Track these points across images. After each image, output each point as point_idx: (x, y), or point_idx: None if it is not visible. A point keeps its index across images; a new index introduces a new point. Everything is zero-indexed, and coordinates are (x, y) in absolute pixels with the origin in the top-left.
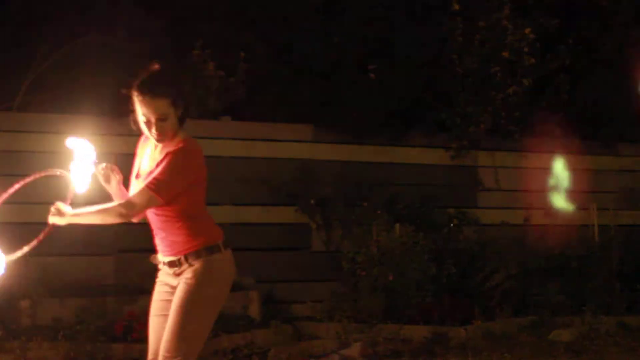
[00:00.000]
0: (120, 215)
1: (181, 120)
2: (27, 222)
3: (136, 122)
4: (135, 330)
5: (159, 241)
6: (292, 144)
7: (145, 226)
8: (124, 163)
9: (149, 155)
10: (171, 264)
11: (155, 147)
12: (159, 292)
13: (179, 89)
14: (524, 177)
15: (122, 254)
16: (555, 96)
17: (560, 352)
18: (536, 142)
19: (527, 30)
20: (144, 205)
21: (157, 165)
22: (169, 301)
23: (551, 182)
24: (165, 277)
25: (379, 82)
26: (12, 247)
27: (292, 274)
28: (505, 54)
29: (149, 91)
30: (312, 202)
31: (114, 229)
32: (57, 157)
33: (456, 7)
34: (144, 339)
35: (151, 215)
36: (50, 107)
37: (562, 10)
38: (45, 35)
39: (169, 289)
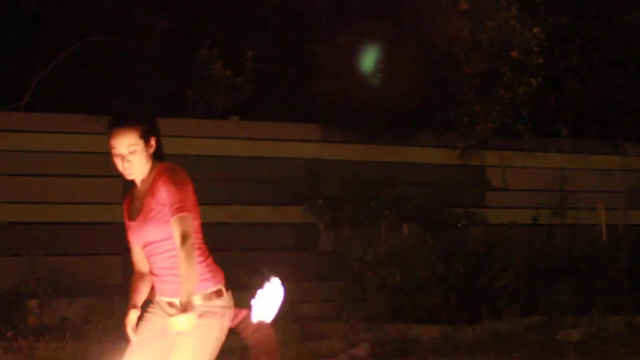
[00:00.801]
0: (193, 248)
1: (157, 155)
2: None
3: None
4: None
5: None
6: (300, 144)
7: None
8: None
9: (137, 198)
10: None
11: (138, 189)
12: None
13: (151, 125)
14: (532, 176)
15: (129, 253)
16: (563, 96)
17: (568, 352)
18: (544, 141)
19: (536, 30)
20: (190, 228)
21: (154, 194)
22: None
23: (559, 181)
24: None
25: (387, 82)
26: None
27: (300, 274)
28: (514, 54)
29: (116, 125)
30: (320, 201)
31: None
32: (64, 156)
33: (464, 6)
34: None
35: (154, 254)
36: (57, 106)
37: (570, 10)
38: (53, 35)
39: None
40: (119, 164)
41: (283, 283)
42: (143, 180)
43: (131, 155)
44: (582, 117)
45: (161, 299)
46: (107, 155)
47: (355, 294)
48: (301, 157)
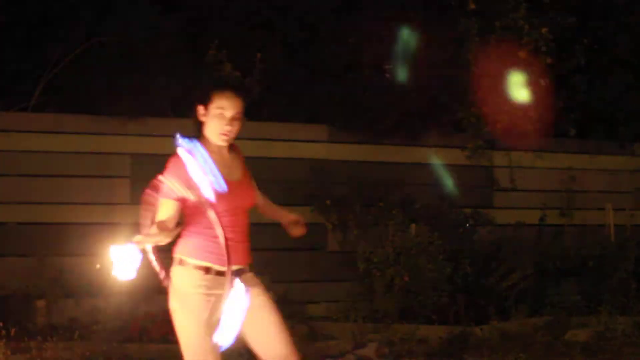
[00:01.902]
0: None
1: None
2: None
3: (198, 122)
4: (151, 330)
5: (235, 249)
6: (308, 144)
7: None
8: (138, 163)
9: (222, 164)
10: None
11: (216, 156)
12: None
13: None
14: (539, 177)
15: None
16: (571, 96)
17: (576, 352)
18: (552, 142)
19: (544, 30)
20: None
21: (244, 164)
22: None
23: (567, 182)
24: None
25: (395, 82)
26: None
27: (308, 274)
28: (522, 55)
29: (233, 88)
30: (328, 202)
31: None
32: (73, 157)
33: (472, 6)
34: (159, 340)
35: (239, 218)
36: (66, 107)
37: (577, 10)
38: (60, 35)
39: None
40: (220, 126)
41: (290, 283)
42: (220, 150)
43: (235, 121)
44: (590, 117)
45: (231, 267)
46: (116, 156)
47: (363, 294)
48: (309, 158)
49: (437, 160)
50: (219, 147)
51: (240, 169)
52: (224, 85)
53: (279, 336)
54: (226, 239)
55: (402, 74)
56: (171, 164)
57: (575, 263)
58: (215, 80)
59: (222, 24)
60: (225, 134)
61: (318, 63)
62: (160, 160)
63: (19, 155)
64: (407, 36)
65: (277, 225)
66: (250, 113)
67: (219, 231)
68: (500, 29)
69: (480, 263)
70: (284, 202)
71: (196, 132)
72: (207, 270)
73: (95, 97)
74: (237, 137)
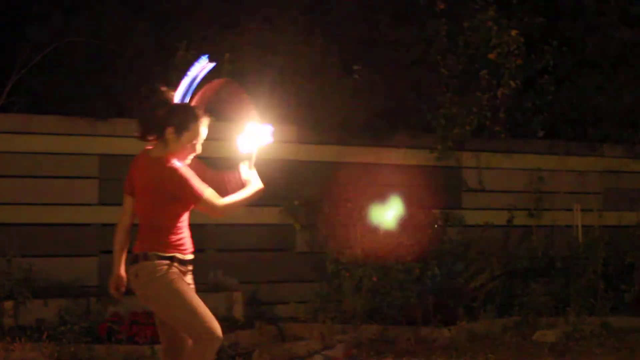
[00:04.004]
0: None
1: None
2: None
3: (184, 137)
4: (118, 331)
5: (187, 240)
6: (276, 145)
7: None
8: (107, 164)
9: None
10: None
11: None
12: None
13: None
14: (508, 177)
15: (105, 254)
16: (539, 97)
17: (544, 352)
18: (521, 143)
19: (514, 32)
20: None
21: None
22: None
23: (535, 182)
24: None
25: (363, 83)
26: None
27: (276, 275)
28: (492, 56)
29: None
30: (296, 202)
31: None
32: (41, 158)
33: (441, 6)
34: (127, 341)
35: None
36: (34, 108)
37: (546, 11)
38: (29, 36)
39: None
40: (194, 149)
41: (259, 284)
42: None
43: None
44: (558, 118)
45: (187, 257)
46: (83, 157)
47: (331, 295)
48: (277, 158)
49: (405, 161)
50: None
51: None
52: (204, 114)
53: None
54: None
55: (370, 75)
56: (184, 171)
57: (544, 264)
58: (190, 110)
59: (191, 25)
60: (196, 153)
61: (287, 64)
62: (129, 161)
63: None
64: (375, 37)
65: (246, 226)
66: (219, 113)
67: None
68: (469, 30)
69: (448, 264)
70: (252, 202)
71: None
72: (175, 259)
73: (64, 98)
74: (205, 138)
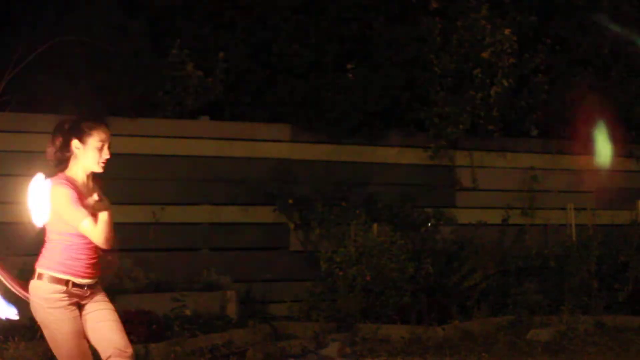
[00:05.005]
0: None
1: None
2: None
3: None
4: None
5: (89, 266)
6: (270, 144)
7: (117, 226)
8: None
9: (87, 190)
10: (93, 285)
11: (81, 183)
12: (76, 317)
13: None
14: (502, 176)
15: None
16: (533, 96)
17: (538, 351)
18: (514, 141)
19: (507, 31)
20: None
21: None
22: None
23: (529, 181)
24: (71, 300)
25: (357, 82)
26: None
27: (270, 274)
28: (485, 55)
29: (105, 122)
30: (290, 201)
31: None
32: (35, 156)
33: (434, 5)
34: None
35: (87, 243)
36: (28, 107)
37: (539, 10)
38: (23, 34)
39: (76, 308)
40: (99, 158)
41: (252, 282)
42: (85, 179)
43: (108, 150)
44: (552, 117)
45: (87, 282)
46: None
47: (325, 294)
48: (271, 157)
49: (399, 160)
50: (85, 176)
51: (100, 195)
52: (100, 120)
53: (117, 332)
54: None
55: (364, 74)
56: (64, 194)
57: (537, 263)
58: (87, 115)
59: (185, 24)
60: (105, 162)
61: (280, 63)
62: (122, 159)
63: None
64: (369, 36)
65: (239, 225)
66: (213, 113)
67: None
68: (462, 29)
69: (442, 263)
70: (246, 201)
71: (58, 164)
72: (67, 283)
73: (58, 97)
74: (200, 137)
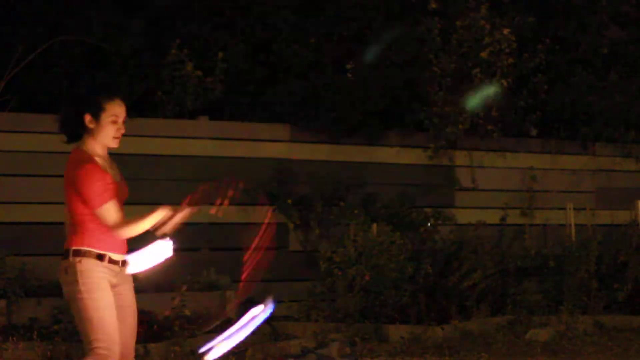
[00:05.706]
0: None
1: None
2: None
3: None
4: None
5: (122, 242)
6: (269, 144)
7: None
8: None
9: (106, 165)
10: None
11: (100, 158)
12: (110, 293)
13: None
14: (501, 176)
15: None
16: (532, 96)
17: (537, 351)
18: (513, 142)
19: (506, 31)
20: None
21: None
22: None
23: (528, 181)
24: (110, 278)
25: (356, 82)
26: None
27: (269, 274)
28: (484, 55)
29: (120, 95)
30: (290, 201)
31: None
32: (34, 156)
33: (433, 5)
34: None
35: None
36: (27, 106)
37: (538, 9)
38: (22, 34)
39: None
40: (113, 131)
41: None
42: (104, 154)
43: (124, 124)
44: (551, 117)
45: (121, 258)
46: None
47: (324, 294)
48: (271, 157)
49: (398, 160)
50: (103, 151)
51: (118, 170)
52: (114, 94)
53: (131, 337)
54: None
55: (363, 73)
56: (90, 171)
57: (537, 262)
58: (103, 89)
59: (184, 24)
60: (119, 137)
61: (280, 63)
62: (121, 159)
63: None
64: (368, 36)
65: (238, 225)
66: (212, 112)
67: None
68: (462, 29)
69: (441, 263)
70: (246, 201)
71: (74, 139)
72: (104, 257)
73: (58, 96)
74: (199, 137)
